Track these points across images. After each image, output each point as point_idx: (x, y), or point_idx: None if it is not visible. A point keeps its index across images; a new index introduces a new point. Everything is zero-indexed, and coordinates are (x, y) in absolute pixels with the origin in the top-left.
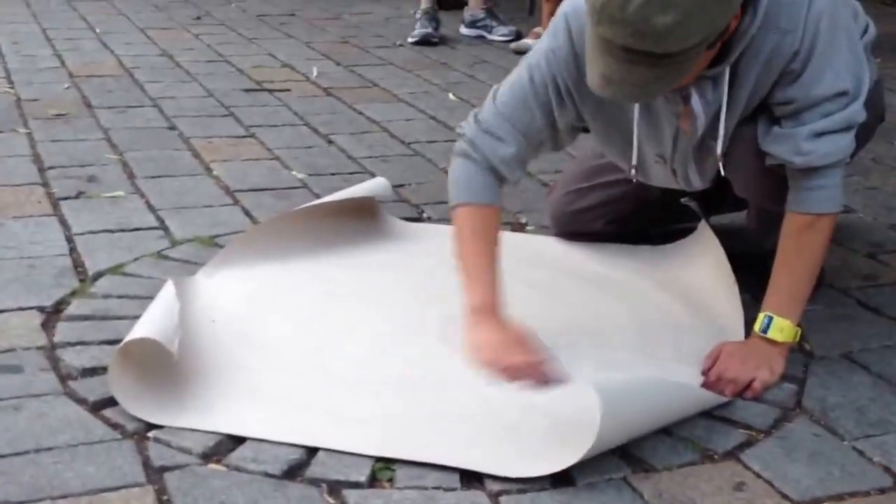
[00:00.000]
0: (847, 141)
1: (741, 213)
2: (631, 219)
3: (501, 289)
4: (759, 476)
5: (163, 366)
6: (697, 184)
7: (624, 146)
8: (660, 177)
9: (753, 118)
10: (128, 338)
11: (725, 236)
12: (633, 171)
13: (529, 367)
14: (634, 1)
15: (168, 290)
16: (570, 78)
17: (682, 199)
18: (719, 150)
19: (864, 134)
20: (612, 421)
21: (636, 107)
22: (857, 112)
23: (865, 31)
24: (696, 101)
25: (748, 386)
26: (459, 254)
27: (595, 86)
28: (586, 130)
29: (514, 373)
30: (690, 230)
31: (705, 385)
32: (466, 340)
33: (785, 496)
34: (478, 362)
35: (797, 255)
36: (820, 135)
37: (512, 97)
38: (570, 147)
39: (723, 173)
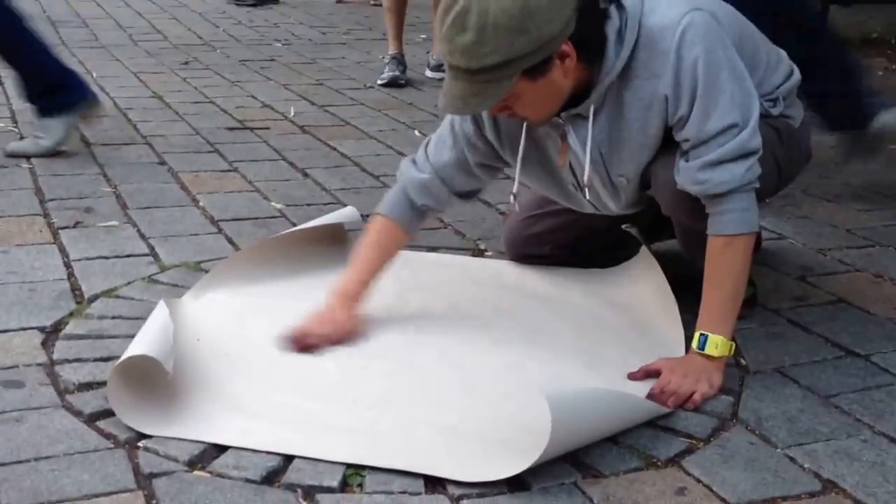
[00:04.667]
0: (743, 168)
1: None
2: (578, 244)
3: (367, 287)
4: (699, 481)
5: (154, 381)
6: (616, 209)
7: (553, 185)
8: (583, 203)
9: (673, 147)
10: (126, 354)
11: (666, 260)
12: (511, 199)
13: (308, 338)
14: (447, 22)
15: (162, 311)
16: (492, 128)
17: (624, 226)
18: (585, 177)
19: (791, 170)
20: (563, 429)
21: (521, 145)
22: (747, 140)
23: (790, 76)
24: (572, 138)
25: (689, 398)
26: (356, 251)
27: (439, 100)
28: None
29: (299, 338)
30: (633, 255)
31: (649, 397)
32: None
33: (723, 500)
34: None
35: (721, 275)
36: (714, 165)
37: (436, 138)
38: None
39: (623, 204)
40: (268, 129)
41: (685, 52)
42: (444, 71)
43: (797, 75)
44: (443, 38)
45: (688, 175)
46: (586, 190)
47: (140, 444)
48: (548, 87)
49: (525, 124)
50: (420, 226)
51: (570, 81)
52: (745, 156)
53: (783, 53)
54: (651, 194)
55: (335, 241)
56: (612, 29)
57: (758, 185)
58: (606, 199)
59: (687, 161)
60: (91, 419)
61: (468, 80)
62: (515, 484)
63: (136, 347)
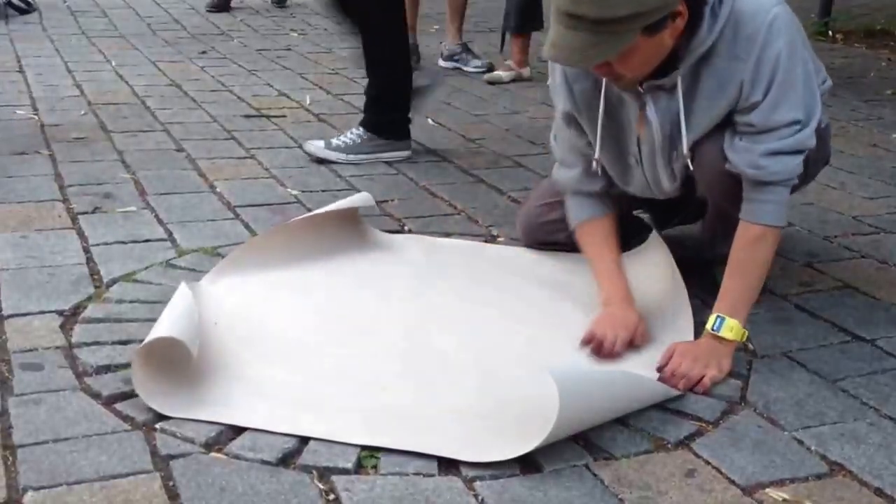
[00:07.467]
0: (795, 163)
1: (690, 226)
2: None
3: (626, 282)
4: (708, 463)
5: (174, 362)
6: (668, 188)
7: (616, 157)
8: (637, 179)
9: (723, 125)
10: (152, 335)
11: (676, 246)
12: (594, 164)
13: (613, 344)
14: None
15: (185, 294)
16: (567, 97)
17: (635, 212)
18: (685, 150)
19: (814, 170)
20: (571, 409)
21: (600, 112)
22: (807, 138)
23: (824, 81)
24: (650, 109)
25: (699, 381)
26: (589, 261)
27: (545, 52)
28: None
29: (600, 345)
30: (644, 241)
31: (660, 379)
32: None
33: (732, 482)
34: (591, 330)
35: (748, 264)
36: (773, 154)
37: (557, 131)
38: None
39: (691, 167)
40: (284, 117)
41: (772, 40)
42: (456, 61)
43: (829, 83)
44: None
45: (748, 157)
46: (643, 166)
47: (157, 426)
48: (657, 46)
49: (603, 91)
50: (612, 201)
51: (671, 44)
52: (800, 151)
53: (822, 65)
54: (691, 172)
55: (350, 225)
56: (707, 2)
57: (796, 182)
58: (661, 173)
59: (747, 143)
60: (109, 401)
61: (591, 30)
62: (527, 466)
63: (161, 329)
